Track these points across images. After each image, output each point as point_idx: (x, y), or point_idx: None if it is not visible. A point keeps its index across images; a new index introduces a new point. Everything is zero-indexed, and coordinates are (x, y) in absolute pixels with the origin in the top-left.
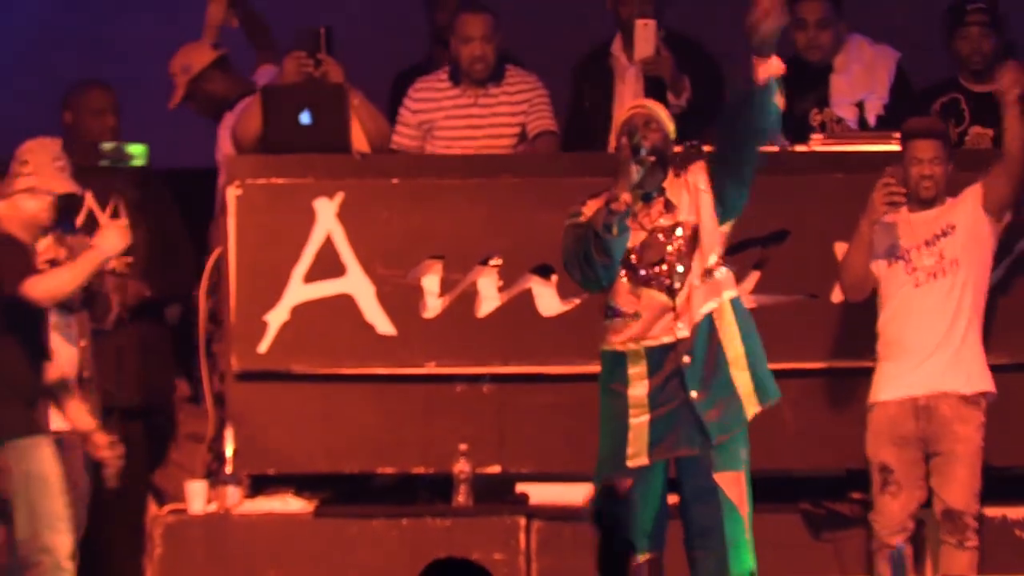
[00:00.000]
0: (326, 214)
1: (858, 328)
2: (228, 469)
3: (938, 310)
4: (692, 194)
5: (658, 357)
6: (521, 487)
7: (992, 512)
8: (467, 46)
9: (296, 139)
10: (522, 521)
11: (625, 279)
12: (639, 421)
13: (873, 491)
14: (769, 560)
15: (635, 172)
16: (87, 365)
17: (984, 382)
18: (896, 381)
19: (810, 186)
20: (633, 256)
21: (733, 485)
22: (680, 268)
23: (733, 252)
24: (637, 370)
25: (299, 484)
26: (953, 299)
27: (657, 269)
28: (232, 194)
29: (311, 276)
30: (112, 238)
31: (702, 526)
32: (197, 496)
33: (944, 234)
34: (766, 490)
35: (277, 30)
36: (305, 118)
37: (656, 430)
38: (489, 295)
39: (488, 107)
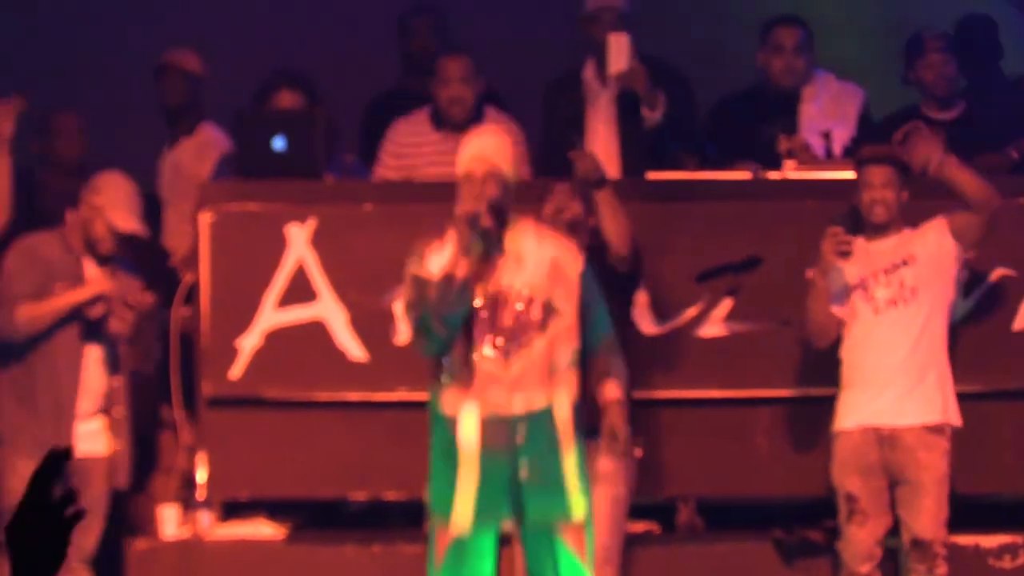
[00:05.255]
0: (298, 240)
1: (830, 355)
2: (200, 494)
3: (898, 338)
4: (554, 272)
5: (491, 428)
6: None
7: (965, 541)
8: (446, 88)
9: (269, 165)
10: None
11: (459, 340)
12: (466, 488)
13: (840, 520)
14: None
15: (474, 244)
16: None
17: (948, 414)
18: (858, 410)
19: (782, 213)
20: (468, 317)
21: (574, 535)
22: (516, 340)
23: (705, 279)
24: (468, 436)
25: (271, 509)
26: (914, 328)
27: (488, 335)
28: (205, 220)
29: (283, 302)
30: None
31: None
32: (169, 522)
33: (904, 263)
34: (738, 518)
35: (254, 60)
36: (279, 144)
37: (482, 499)
38: None
39: None
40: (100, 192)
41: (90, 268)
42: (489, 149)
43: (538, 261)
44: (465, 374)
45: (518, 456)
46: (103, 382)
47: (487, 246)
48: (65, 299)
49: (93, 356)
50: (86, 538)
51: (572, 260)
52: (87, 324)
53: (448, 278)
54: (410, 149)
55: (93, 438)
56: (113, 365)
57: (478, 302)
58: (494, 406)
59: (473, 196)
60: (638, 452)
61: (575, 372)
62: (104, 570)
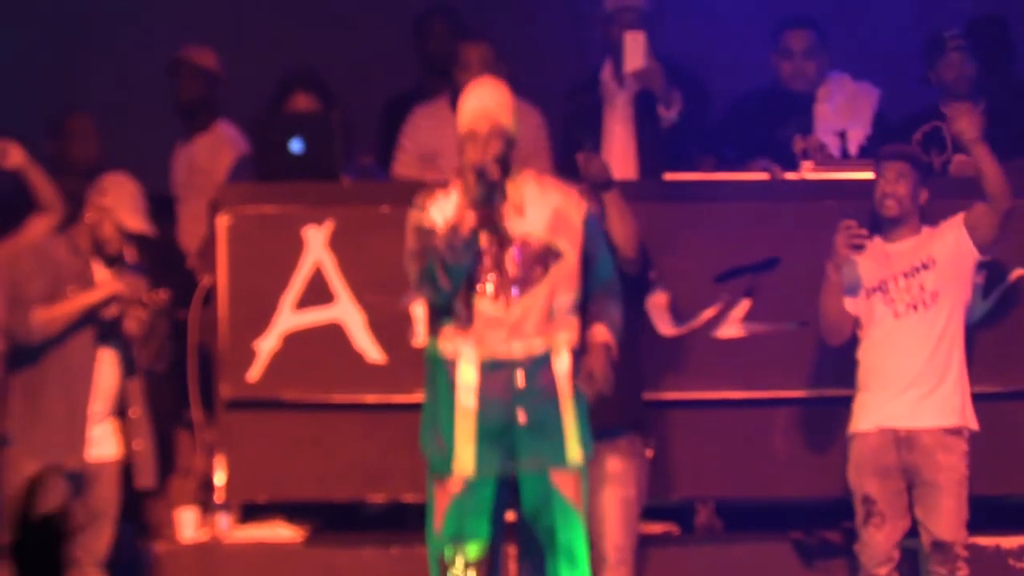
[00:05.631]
0: (316, 242)
1: (847, 356)
2: (218, 497)
3: (918, 341)
4: (556, 219)
5: (489, 372)
6: (509, 516)
7: (986, 542)
8: (466, 73)
9: (286, 167)
10: (511, 550)
11: (461, 285)
12: (465, 432)
13: (857, 522)
14: None
15: (481, 196)
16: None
17: (966, 417)
18: (875, 412)
19: (800, 213)
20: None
21: (569, 482)
22: (519, 285)
23: (723, 279)
24: (466, 381)
25: (289, 512)
26: (934, 331)
27: (491, 278)
28: (222, 223)
29: (301, 304)
30: None
31: (539, 526)
32: (187, 524)
33: (924, 267)
34: (756, 519)
35: (269, 61)
36: (296, 146)
37: (482, 444)
38: None
39: None
40: (107, 193)
41: (99, 270)
42: (491, 105)
43: (540, 208)
44: (466, 319)
45: (516, 401)
46: (115, 384)
47: (491, 195)
48: (79, 301)
49: (106, 359)
50: (98, 541)
51: (576, 206)
52: (100, 327)
53: (455, 229)
54: (430, 134)
55: (103, 441)
56: (127, 366)
57: (480, 248)
58: (494, 351)
59: (479, 152)
60: (649, 453)
61: (576, 319)
62: (121, 573)
